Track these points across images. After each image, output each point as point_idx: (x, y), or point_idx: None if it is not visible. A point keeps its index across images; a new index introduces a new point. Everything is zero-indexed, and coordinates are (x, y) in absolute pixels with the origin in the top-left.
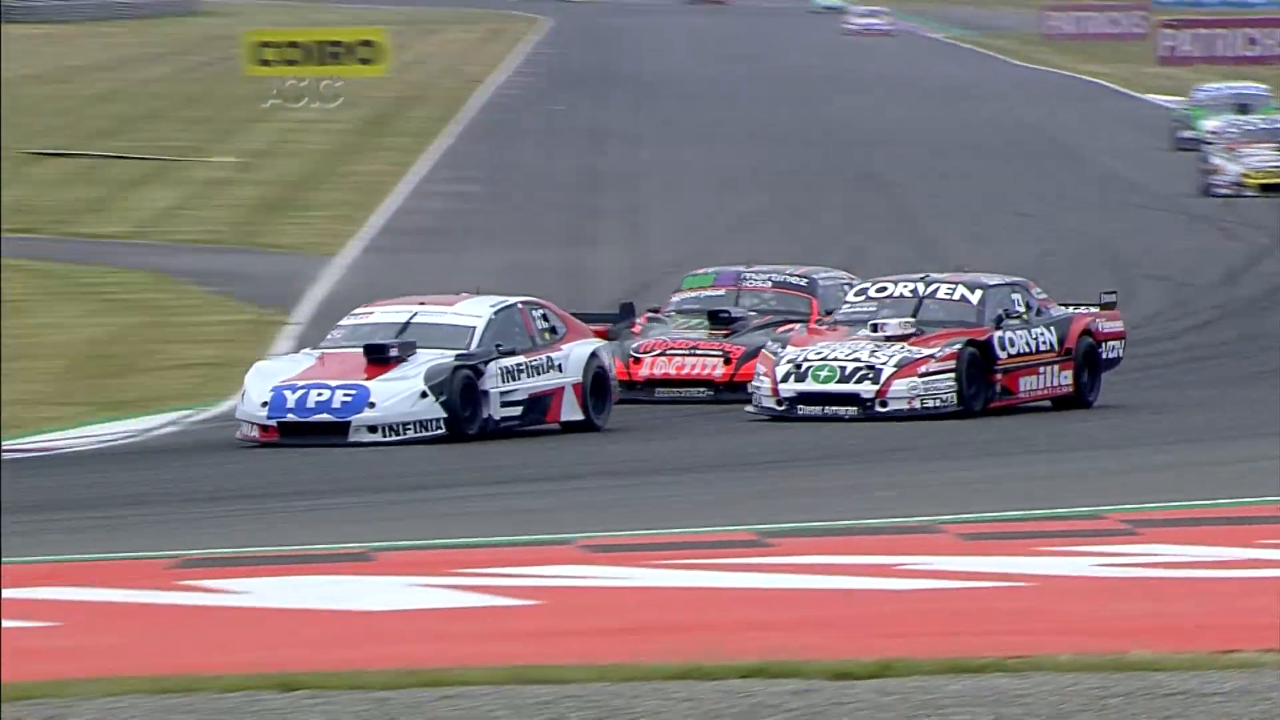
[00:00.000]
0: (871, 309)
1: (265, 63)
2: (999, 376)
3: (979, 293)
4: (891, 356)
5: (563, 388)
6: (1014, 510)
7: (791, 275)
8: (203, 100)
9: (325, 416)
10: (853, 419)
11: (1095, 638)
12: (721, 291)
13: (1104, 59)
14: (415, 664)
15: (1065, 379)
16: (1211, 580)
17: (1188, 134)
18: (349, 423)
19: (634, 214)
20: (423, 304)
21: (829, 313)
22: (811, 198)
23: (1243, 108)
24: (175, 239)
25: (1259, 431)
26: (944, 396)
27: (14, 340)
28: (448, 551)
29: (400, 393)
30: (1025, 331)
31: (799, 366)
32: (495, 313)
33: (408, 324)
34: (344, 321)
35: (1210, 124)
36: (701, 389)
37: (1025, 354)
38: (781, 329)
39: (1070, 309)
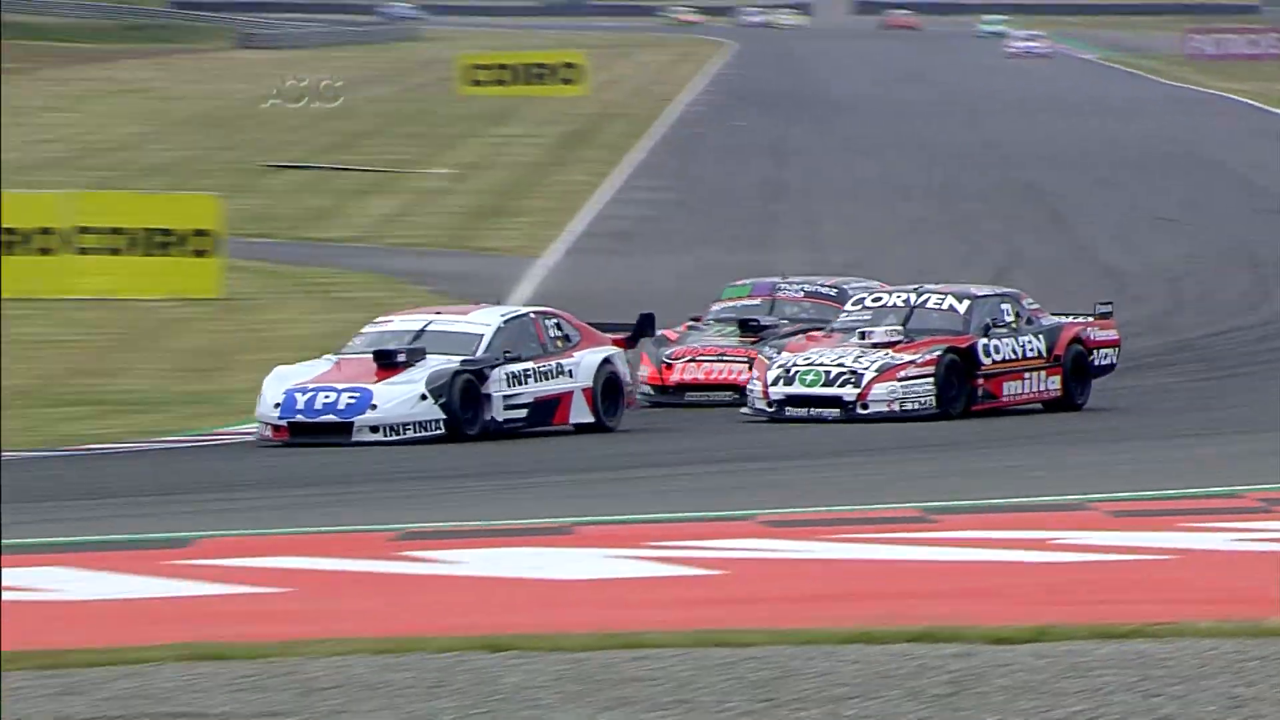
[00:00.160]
0: (867, 318)
1: (477, 83)
2: (981, 381)
3: (966, 303)
4: (874, 362)
5: (572, 392)
6: (1157, 490)
7: (823, 285)
8: (421, 118)
9: (331, 417)
10: (835, 420)
11: (1233, 606)
12: (757, 301)
13: (1242, 78)
14: (610, 627)
15: (1053, 384)
16: None
17: None
18: (352, 423)
19: (811, 221)
20: (439, 313)
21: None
22: (974, 206)
23: None
24: (396, 243)
25: None
26: (923, 400)
27: (252, 333)
28: (640, 526)
29: (401, 395)
30: (1013, 339)
31: (788, 371)
32: (505, 322)
33: (422, 331)
34: (365, 329)
35: None
36: (728, 393)
37: (1011, 360)
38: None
39: (1063, 318)
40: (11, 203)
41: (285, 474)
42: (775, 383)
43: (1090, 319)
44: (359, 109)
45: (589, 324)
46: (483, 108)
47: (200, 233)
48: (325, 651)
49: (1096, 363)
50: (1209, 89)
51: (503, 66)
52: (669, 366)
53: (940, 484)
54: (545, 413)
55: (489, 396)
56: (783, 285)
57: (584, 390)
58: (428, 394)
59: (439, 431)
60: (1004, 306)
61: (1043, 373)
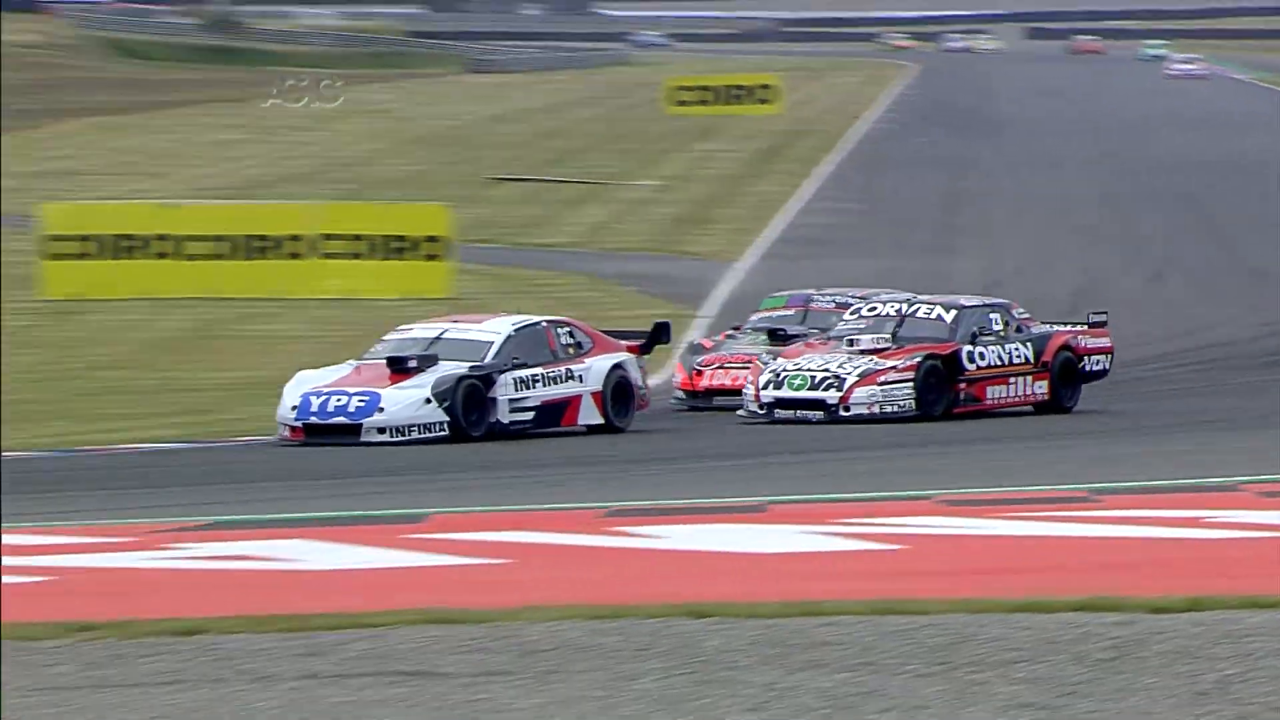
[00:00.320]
0: (861, 326)
1: (681, 103)
2: (963, 386)
3: (954, 313)
4: (857, 368)
5: (581, 396)
6: None
7: (854, 297)
8: (630, 135)
9: (341, 419)
10: (819, 422)
11: None
12: (791, 311)
13: None
14: (800, 596)
15: (1040, 388)
16: None
17: None
18: (360, 425)
19: (987, 229)
20: (455, 322)
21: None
22: (1135, 215)
23: None
24: (605, 248)
25: None
26: (902, 403)
27: None
28: (828, 505)
29: (407, 399)
30: (999, 346)
31: (777, 375)
32: (515, 330)
33: (437, 339)
34: (387, 336)
35: None
36: None
37: (996, 366)
38: None
39: (1053, 327)
40: (265, 212)
41: (506, 457)
42: (766, 386)
43: (1083, 328)
44: (573, 127)
45: (607, 331)
46: (686, 125)
47: (432, 239)
48: (542, 617)
49: (1087, 368)
50: None
51: (705, 88)
52: (699, 373)
53: (1105, 468)
54: (553, 415)
55: (494, 400)
56: (816, 297)
57: (593, 394)
58: (432, 398)
59: (443, 433)
60: (992, 316)
61: (1029, 378)
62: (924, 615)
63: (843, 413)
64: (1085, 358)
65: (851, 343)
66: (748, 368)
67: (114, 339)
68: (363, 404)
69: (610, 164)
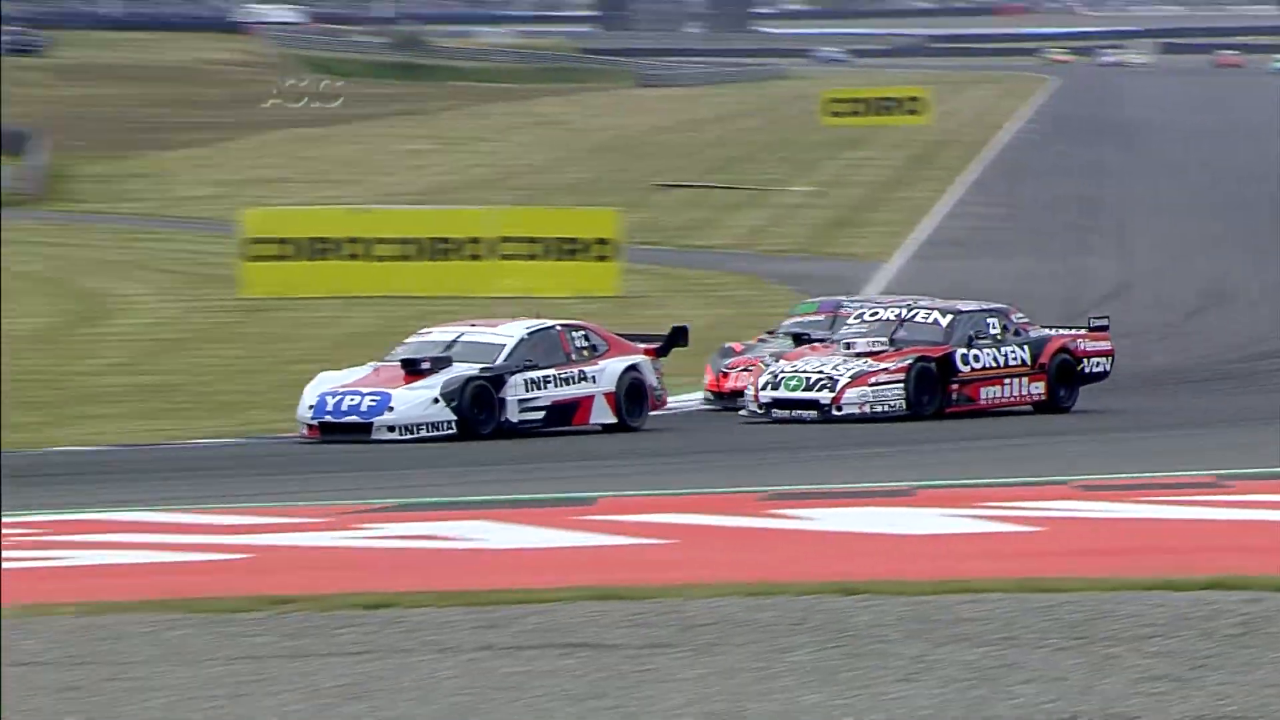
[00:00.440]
0: (861, 330)
1: (836, 114)
2: (956, 386)
3: (950, 317)
4: (850, 369)
5: (593, 396)
6: None
7: (884, 305)
8: (787, 144)
9: (354, 418)
10: (813, 421)
11: None
12: (821, 317)
13: None
14: (946, 575)
15: (1036, 389)
16: None
17: None
18: (371, 423)
19: (1120, 233)
20: (473, 325)
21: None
22: (1259, 222)
23: None
24: (764, 250)
25: None
26: (892, 403)
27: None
28: (971, 489)
29: (416, 399)
30: (995, 349)
31: (775, 377)
32: (529, 333)
33: (454, 342)
34: (408, 339)
35: None
36: None
37: (991, 368)
38: None
39: (1051, 331)
40: (447, 217)
41: (662, 446)
42: (764, 387)
43: (1084, 332)
44: (735, 137)
45: (628, 335)
46: (840, 135)
47: (602, 241)
48: (703, 593)
49: (1087, 370)
50: None
51: (857, 100)
52: (726, 375)
53: (1233, 455)
54: (564, 415)
55: (504, 400)
56: (846, 304)
57: (606, 394)
58: (440, 398)
59: (451, 432)
60: (990, 320)
61: (1025, 379)
62: (1062, 593)
63: (835, 412)
64: (1085, 360)
65: (849, 346)
66: None
67: (307, 335)
68: (374, 403)
69: (769, 171)
